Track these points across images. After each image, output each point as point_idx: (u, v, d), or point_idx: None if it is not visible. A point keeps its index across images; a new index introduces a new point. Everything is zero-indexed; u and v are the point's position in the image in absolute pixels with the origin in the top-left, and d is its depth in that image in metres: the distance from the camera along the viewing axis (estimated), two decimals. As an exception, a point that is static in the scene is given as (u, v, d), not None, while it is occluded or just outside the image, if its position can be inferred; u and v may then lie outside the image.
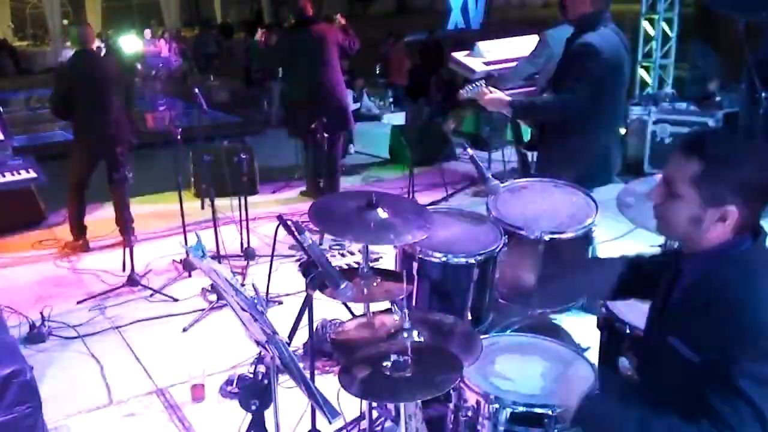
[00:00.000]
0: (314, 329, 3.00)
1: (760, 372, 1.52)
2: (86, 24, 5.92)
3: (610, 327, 2.51)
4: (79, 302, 4.48)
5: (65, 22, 21.11)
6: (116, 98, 5.26)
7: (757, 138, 1.58)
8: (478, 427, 2.08)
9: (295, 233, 2.31)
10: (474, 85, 3.40)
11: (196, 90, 4.86)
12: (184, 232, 4.90)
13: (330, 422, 1.85)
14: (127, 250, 4.70)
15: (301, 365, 1.92)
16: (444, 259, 2.54)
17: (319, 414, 2.14)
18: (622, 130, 7.33)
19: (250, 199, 5.20)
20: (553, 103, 3.37)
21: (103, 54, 5.69)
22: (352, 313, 3.47)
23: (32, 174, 5.54)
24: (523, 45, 7.23)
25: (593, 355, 2.46)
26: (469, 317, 2.58)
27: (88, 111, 5.14)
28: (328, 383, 3.35)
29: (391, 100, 10.07)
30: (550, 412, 1.98)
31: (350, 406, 2.90)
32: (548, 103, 3.44)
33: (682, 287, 1.76)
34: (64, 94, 5.15)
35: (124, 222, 4.99)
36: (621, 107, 3.49)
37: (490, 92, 3.36)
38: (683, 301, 1.73)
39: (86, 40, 5.22)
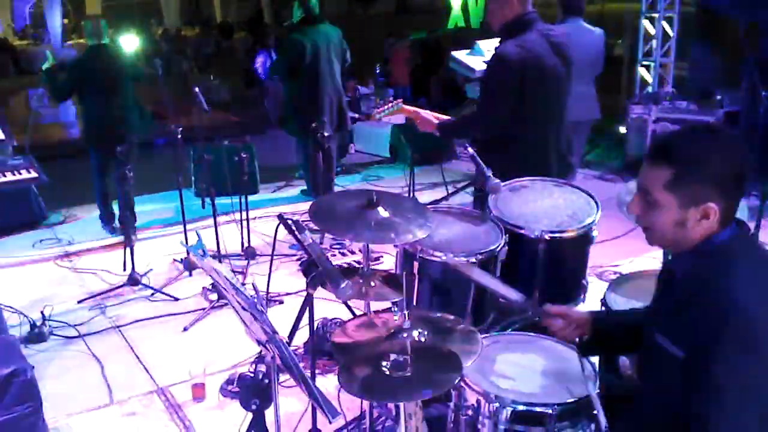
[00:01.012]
0: (314, 329, 3.00)
1: (740, 366, 1.52)
2: (99, 18, 6.03)
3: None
4: (79, 302, 4.48)
5: (65, 21, 21.11)
6: (127, 91, 5.54)
7: (722, 130, 1.60)
8: (479, 426, 2.08)
9: (296, 232, 2.31)
10: (389, 105, 3.28)
11: (196, 89, 4.85)
12: (185, 231, 4.90)
13: (330, 422, 1.84)
14: (128, 249, 4.70)
15: (301, 365, 1.92)
16: (444, 258, 2.54)
17: (319, 413, 2.14)
18: (623, 129, 7.35)
19: (250, 198, 5.20)
20: (472, 120, 3.27)
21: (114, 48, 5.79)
22: (352, 312, 3.47)
23: (33, 174, 5.55)
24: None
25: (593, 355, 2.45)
26: (470, 316, 2.58)
27: (99, 103, 5.38)
28: (328, 383, 3.36)
29: (391, 99, 10.06)
30: (550, 411, 1.98)
31: (351, 405, 2.91)
32: (468, 120, 3.36)
33: (675, 286, 1.77)
34: (74, 87, 5.37)
35: (126, 221, 4.99)
36: (558, 114, 3.26)
37: (415, 113, 3.28)
38: (670, 298, 1.75)
39: (100, 34, 5.42)
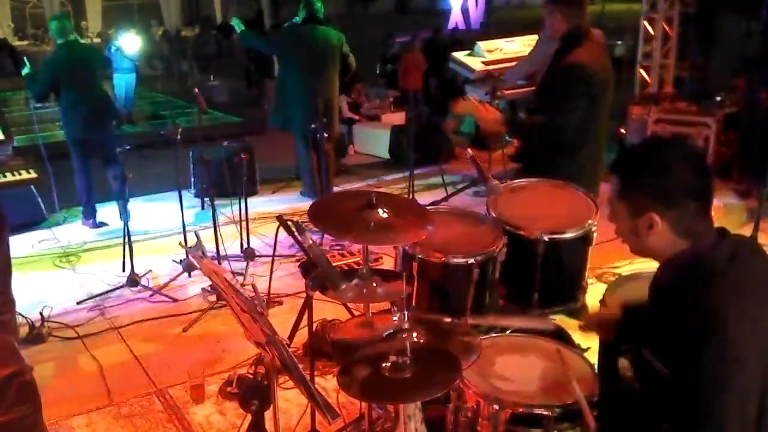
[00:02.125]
0: (314, 330, 3.00)
1: (727, 382, 1.52)
2: (64, 16, 6.29)
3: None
4: (78, 302, 4.48)
5: (65, 21, 21.06)
6: (98, 83, 5.86)
7: (675, 144, 1.65)
8: (478, 428, 2.08)
9: (295, 233, 2.31)
10: (469, 95, 3.38)
11: (196, 90, 4.85)
12: (184, 232, 4.90)
13: (330, 423, 1.84)
14: (127, 250, 4.70)
15: (300, 366, 1.92)
16: (444, 259, 2.54)
17: (318, 415, 2.14)
18: (623, 130, 7.35)
19: (249, 199, 5.20)
20: (550, 126, 3.28)
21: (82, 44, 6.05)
22: (352, 313, 3.47)
23: (33, 174, 5.55)
24: (523, 45, 7.24)
25: (593, 355, 2.45)
26: (469, 317, 2.58)
27: (75, 97, 5.62)
28: (327, 384, 3.35)
29: (391, 100, 10.05)
30: (549, 413, 1.98)
31: (350, 407, 2.91)
32: (546, 125, 3.35)
33: (658, 297, 1.77)
34: (51, 85, 5.62)
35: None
36: (606, 122, 3.41)
37: (485, 106, 3.33)
38: (653, 311, 1.76)
39: (67, 32, 5.69)
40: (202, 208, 6.21)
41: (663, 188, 1.64)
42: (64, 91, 5.61)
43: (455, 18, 18.50)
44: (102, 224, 5.97)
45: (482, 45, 6.95)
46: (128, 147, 4.77)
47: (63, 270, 5.10)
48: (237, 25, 6.15)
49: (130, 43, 11.35)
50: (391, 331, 2.13)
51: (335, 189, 6.50)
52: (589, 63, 3.16)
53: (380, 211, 2.26)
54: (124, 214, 4.83)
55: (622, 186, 1.71)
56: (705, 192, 1.67)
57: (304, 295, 2.80)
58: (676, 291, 1.66)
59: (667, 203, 1.64)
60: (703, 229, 1.66)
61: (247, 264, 4.90)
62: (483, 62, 6.90)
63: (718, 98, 6.90)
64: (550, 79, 3.38)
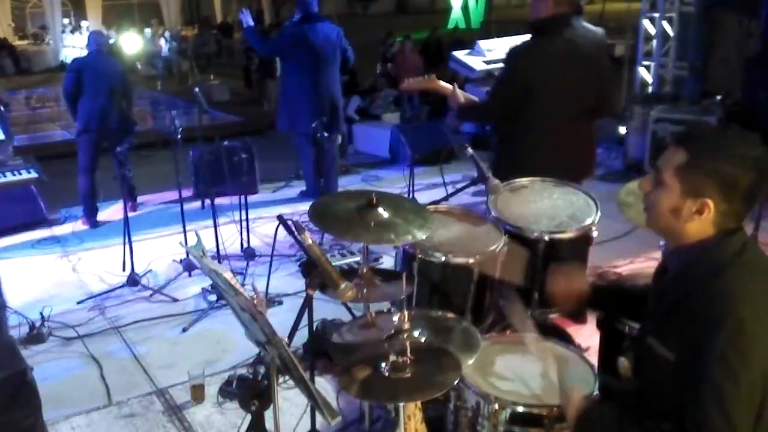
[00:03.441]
0: (314, 329, 2.99)
1: (735, 369, 1.52)
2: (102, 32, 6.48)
3: (609, 327, 2.51)
4: (79, 302, 4.48)
5: (65, 21, 21.11)
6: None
7: (753, 138, 1.63)
8: (478, 428, 2.07)
9: (295, 233, 2.31)
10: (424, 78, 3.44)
11: (196, 89, 4.85)
12: (184, 231, 4.90)
13: (329, 423, 1.84)
14: (127, 249, 4.70)
15: (300, 366, 1.92)
16: (444, 258, 2.53)
17: (318, 414, 2.14)
18: (623, 130, 7.34)
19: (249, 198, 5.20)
20: (481, 106, 3.37)
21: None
22: (352, 313, 3.47)
23: (33, 174, 5.56)
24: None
25: (593, 355, 2.45)
26: (469, 317, 2.58)
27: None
28: (327, 384, 3.35)
29: (390, 99, 10.05)
30: (549, 413, 1.98)
31: (350, 406, 2.91)
32: (477, 105, 3.43)
33: (664, 284, 1.78)
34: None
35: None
36: (563, 114, 3.28)
37: (436, 80, 3.40)
38: (661, 299, 1.75)
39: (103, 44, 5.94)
40: (202, 207, 6.21)
41: (732, 180, 1.59)
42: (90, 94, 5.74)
43: (455, 18, 18.51)
44: (102, 224, 5.97)
45: (482, 44, 6.93)
46: (128, 146, 4.77)
47: (63, 270, 5.10)
48: (245, 19, 6.14)
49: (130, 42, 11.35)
50: (392, 331, 2.13)
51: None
52: (528, 54, 3.17)
53: (380, 210, 2.26)
54: (125, 213, 4.83)
55: (687, 162, 1.62)
56: (756, 198, 1.64)
57: (304, 294, 2.80)
58: (686, 278, 1.66)
59: (727, 195, 1.60)
60: (734, 227, 1.66)
61: (247, 263, 4.90)
62: (484, 61, 6.89)
63: (718, 98, 6.90)
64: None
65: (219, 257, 4.79)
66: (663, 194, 1.67)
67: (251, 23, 6.14)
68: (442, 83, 3.43)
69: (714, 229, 1.65)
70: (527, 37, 3.35)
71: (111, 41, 6.10)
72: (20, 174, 5.53)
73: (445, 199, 3.05)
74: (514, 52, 3.27)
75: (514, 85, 3.23)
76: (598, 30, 5.34)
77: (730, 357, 1.51)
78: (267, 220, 5.76)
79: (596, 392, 2.03)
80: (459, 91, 3.39)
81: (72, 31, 20.39)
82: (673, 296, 1.67)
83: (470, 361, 2.09)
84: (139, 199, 6.45)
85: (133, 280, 4.63)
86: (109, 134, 5.80)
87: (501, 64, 3.53)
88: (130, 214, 4.90)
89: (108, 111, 5.76)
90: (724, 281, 1.59)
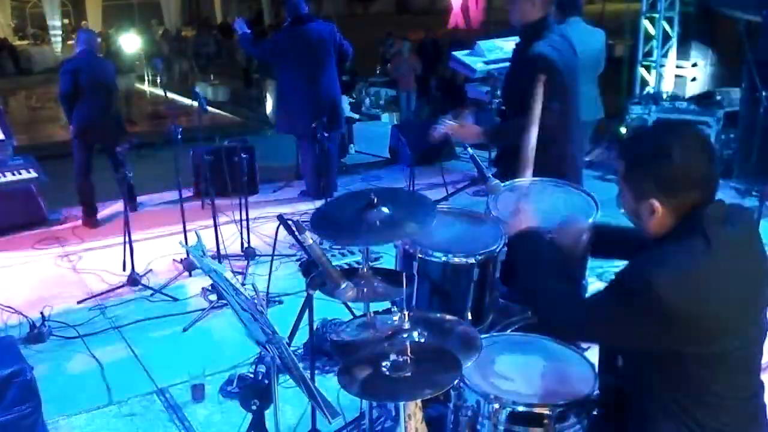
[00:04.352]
0: (314, 329, 3.00)
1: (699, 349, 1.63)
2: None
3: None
4: (79, 302, 4.48)
5: (65, 21, 21.10)
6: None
7: (683, 132, 1.74)
8: (478, 427, 2.08)
9: (296, 233, 2.31)
10: (443, 122, 3.29)
11: (197, 90, 4.85)
12: (185, 231, 4.90)
13: (330, 422, 1.85)
14: (128, 249, 4.70)
15: (301, 365, 1.92)
16: (444, 258, 2.54)
17: (319, 414, 2.14)
18: (623, 130, 7.35)
19: (250, 198, 5.20)
20: (525, 124, 3.20)
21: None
22: (352, 313, 3.47)
23: (33, 174, 5.56)
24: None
25: (593, 355, 2.45)
26: (469, 317, 2.58)
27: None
28: (328, 383, 3.35)
29: (390, 99, 10.07)
30: (549, 412, 1.98)
31: (350, 406, 2.91)
32: (519, 125, 3.27)
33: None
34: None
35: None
36: (580, 114, 3.36)
37: (461, 125, 3.27)
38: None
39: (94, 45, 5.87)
40: (202, 207, 6.21)
41: (666, 176, 1.66)
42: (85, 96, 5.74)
43: (455, 18, 18.51)
44: (102, 224, 5.98)
45: (482, 44, 6.93)
46: (128, 146, 4.77)
47: (63, 269, 5.10)
48: (240, 27, 6.14)
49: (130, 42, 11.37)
50: (392, 330, 2.13)
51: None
52: (555, 55, 3.10)
53: (382, 208, 2.25)
54: (126, 213, 4.83)
55: (626, 170, 1.74)
56: (709, 181, 1.68)
57: (304, 294, 2.80)
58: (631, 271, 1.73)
59: (669, 191, 1.66)
60: (700, 211, 1.68)
61: (248, 263, 4.90)
62: (483, 62, 6.89)
63: (719, 97, 6.90)
64: (514, 75, 3.36)
65: (219, 257, 4.79)
66: (624, 201, 1.79)
67: (246, 30, 6.15)
68: (451, 124, 3.29)
69: (675, 219, 1.69)
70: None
71: (99, 40, 6.10)
72: (20, 174, 5.53)
73: (445, 198, 3.05)
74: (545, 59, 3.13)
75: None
76: (598, 30, 5.36)
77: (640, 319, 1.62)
78: (267, 220, 5.76)
79: (596, 392, 2.03)
80: (469, 125, 3.32)
81: (72, 32, 20.39)
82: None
83: (470, 361, 2.09)
84: (139, 199, 6.45)
85: (133, 280, 4.63)
86: (106, 135, 5.82)
87: (505, 65, 3.49)
88: (130, 214, 4.89)
89: (105, 111, 5.78)
90: (651, 264, 1.63)
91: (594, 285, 3.14)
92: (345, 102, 8.85)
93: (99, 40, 6.14)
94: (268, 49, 6.48)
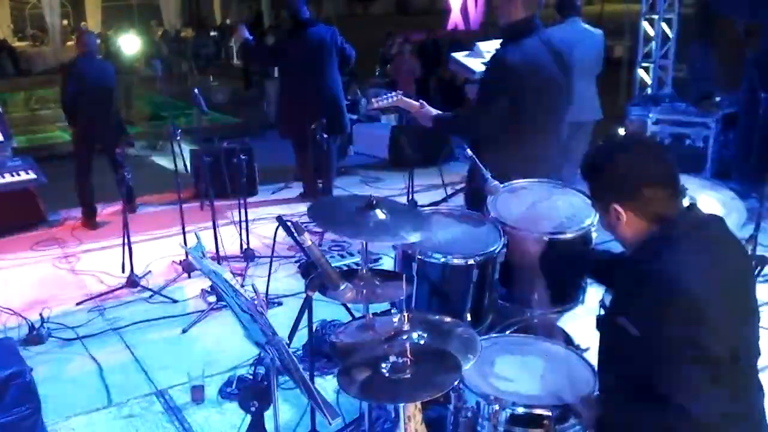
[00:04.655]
0: (314, 330, 3.00)
1: (689, 336, 1.65)
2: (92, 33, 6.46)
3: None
4: (78, 303, 4.48)
5: (65, 22, 21.09)
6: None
7: (626, 139, 1.96)
8: (478, 428, 2.08)
9: (295, 234, 2.31)
10: (388, 95, 3.29)
11: (196, 91, 4.85)
12: (184, 233, 4.90)
13: (329, 423, 1.85)
14: (127, 251, 4.70)
15: (300, 366, 1.92)
16: (443, 259, 2.54)
17: (318, 415, 2.14)
18: (622, 131, 7.34)
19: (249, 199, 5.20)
20: (466, 118, 3.26)
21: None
22: (351, 314, 3.47)
23: (32, 175, 5.56)
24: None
25: (593, 355, 2.45)
26: (469, 318, 2.58)
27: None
28: (327, 384, 3.35)
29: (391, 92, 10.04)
30: (549, 413, 1.98)
31: (350, 407, 2.91)
32: (462, 118, 3.33)
33: (624, 267, 1.93)
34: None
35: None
36: (555, 119, 3.24)
37: (421, 105, 3.26)
38: (624, 280, 1.89)
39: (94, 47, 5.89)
40: (201, 208, 6.20)
41: (616, 181, 1.79)
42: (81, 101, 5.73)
43: (454, 18, 18.50)
44: (101, 225, 5.98)
45: (482, 45, 6.94)
46: (128, 146, 4.77)
47: (62, 271, 5.10)
48: (242, 34, 6.13)
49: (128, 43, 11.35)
50: (391, 332, 2.13)
51: (335, 189, 6.51)
52: (513, 58, 3.03)
53: (378, 212, 2.26)
54: (124, 215, 4.83)
55: (589, 189, 1.89)
56: (664, 177, 1.77)
57: (303, 295, 2.80)
58: (633, 260, 1.83)
59: (624, 194, 1.78)
60: (673, 211, 1.77)
61: (247, 265, 4.90)
62: (483, 62, 6.89)
63: (718, 98, 6.89)
64: (482, 75, 3.33)
65: (218, 258, 4.79)
66: (600, 220, 1.93)
67: (248, 36, 6.16)
68: (408, 101, 3.32)
69: (646, 222, 1.79)
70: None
71: (98, 42, 6.12)
72: (19, 175, 5.53)
73: (445, 200, 3.05)
74: (500, 59, 3.13)
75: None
76: (596, 30, 5.36)
77: (684, 335, 1.65)
78: (266, 222, 5.76)
79: (596, 392, 2.03)
80: (428, 107, 3.30)
81: (72, 33, 20.38)
82: (631, 279, 1.81)
83: (470, 362, 2.09)
84: (138, 200, 6.45)
85: (132, 282, 4.62)
86: (107, 136, 5.83)
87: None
88: (129, 216, 4.89)
89: (106, 113, 5.79)
90: (672, 263, 1.69)
91: (592, 285, 3.14)
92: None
93: (98, 41, 6.11)
94: (271, 57, 6.51)
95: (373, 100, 3.37)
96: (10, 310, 4.29)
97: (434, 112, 3.28)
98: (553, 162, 3.26)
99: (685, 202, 1.89)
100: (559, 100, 3.22)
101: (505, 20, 3.16)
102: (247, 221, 5.08)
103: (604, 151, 1.91)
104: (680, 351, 1.66)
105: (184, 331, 4.10)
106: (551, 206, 2.86)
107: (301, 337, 3.35)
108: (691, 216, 1.80)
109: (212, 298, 4.38)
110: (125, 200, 4.81)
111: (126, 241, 4.68)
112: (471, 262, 2.52)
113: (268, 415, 2.13)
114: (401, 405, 2.10)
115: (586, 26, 5.24)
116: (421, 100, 3.34)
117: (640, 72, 7.88)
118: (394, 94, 3.31)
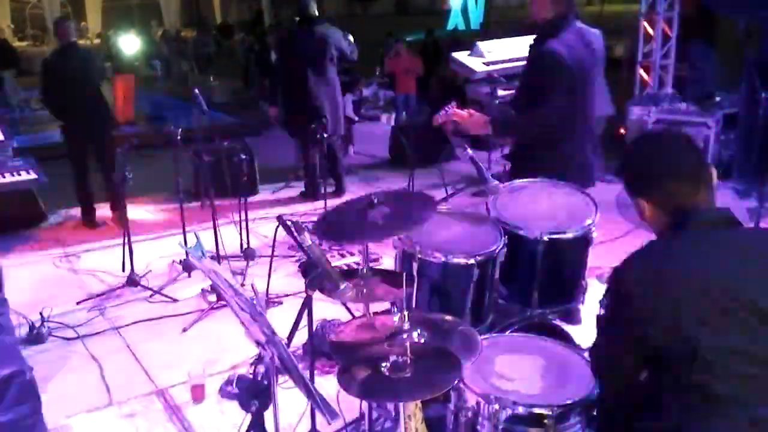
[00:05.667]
0: (314, 330, 2.99)
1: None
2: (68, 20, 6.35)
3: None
4: (78, 303, 4.48)
5: (65, 22, 21.04)
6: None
7: (649, 135, 2.07)
8: (478, 428, 2.08)
9: (295, 234, 2.31)
10: (446, 108, 3.25)
11: (196, 90, 4.85)
12: (184, 232, 4.90)
13: (329, 423, 1.85)
14: (127, 250, 4.70)
15: (300, 366, 1.92)
16: (444, 259, 2.54)
17: (318, 414, 2.14)
18: (622, 131, 7.34)
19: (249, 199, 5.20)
20: (531, 119, 3.21)
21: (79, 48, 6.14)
22: (351, 313, 3.47)
23: (32, 175, 5.55)
24: (523, 45, 7.22)
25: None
26: (469, 317, 2.58)
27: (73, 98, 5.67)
28: (327, 384, 3.35)
29: (389, 100, 10.05)
30: (550, 413, 1.98)
31: (350, 407, 2.91)
32: (526, 118, 3.28)
33: None
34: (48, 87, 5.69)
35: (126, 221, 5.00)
36: (593, 112, 3.32)
37: (469, 113, 3.22)
38: None
39: (71, 34, 5.74)
40: (202, 208, 6.20)
41: (640, 177, 1.88)
42: (60, 92, 5.67)
43: (455, 19, 18.53)
44: (101, 224, 5.97)
45: (482, 45, 6.94)
46: (127, 147, 4.76)
47: (63, 270, 5.10)
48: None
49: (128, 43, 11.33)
50: (392, 331, 2.13)
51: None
52: (565, 53, 3.05)
53: (383, 208, 2.26)
54: (124, 215, 4.83)
55: (623, 184, 1.94)
56: (686, 171, 1.80)
57: (303, 295, 2.80)
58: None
59: (646, 189, 1.85)
60: (696, 206, 1.78)
61: (247, 264, 4.90)
62: (483, 62, 6.89)
63: (718, 98, 6.89)
64: (526, 71, 3.33)
65: (219, 258, 4.79)
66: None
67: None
68: (460, 111, 3.24)
69: (666, 216, 1.83)
70: (528, 37, 3.32)
71: (73, 27, 5.90)
72: (20, 175, 5.52)
73: (445, 199, 3.05)
74: (555, 56, 3.10)
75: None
76: (596, 31, 5.35)
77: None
78: (266, 221, 5.76)
79: (596, 392, 2.03)
80: (478, 114, 3.26)
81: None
82: None
83: (470, 362, 2.09)
84: (139, 199, 6.45)
85: (132, 281, 4.62)
86: (89, 126, 5.77)
87: (504, 65, 3.45)
88: (130, 215, 4.89)
89: (85, 102, 5.71)
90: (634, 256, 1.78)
91: (593, 285, 3.14)
92: (348, 101, 8.87)
93: (72, 25, 5.95)
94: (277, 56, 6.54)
95: (435, 117, 3.29)
96: (10, 309, 4.28)
97: (484, 117, 3.24)
98: (590, 156, 3.31)
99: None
100: (593, 91, 3.28)
101: (544, 15, 3.17)
102: (247, 220, 5.08)
103: (631, 149, 2.03)
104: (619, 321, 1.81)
105: (184, 330, 4.10)
106: (551, 205, 2.87)
107: (301, 336, 3.35)
108: (707, 215, 1.77)
109: (212, 298, 4.39)
110: (125, 201, 4.81)
111: (126, 240, 4.69)
112: (471, 261, 2.53)
113: (267, 414, 2.12)
114: (401, 404, 2.10)
115: (585, 26, 5.24)
116: (468, 109, 3.29)
117: (641, 72, 7.88)
118: (449, 107, 3.25)
